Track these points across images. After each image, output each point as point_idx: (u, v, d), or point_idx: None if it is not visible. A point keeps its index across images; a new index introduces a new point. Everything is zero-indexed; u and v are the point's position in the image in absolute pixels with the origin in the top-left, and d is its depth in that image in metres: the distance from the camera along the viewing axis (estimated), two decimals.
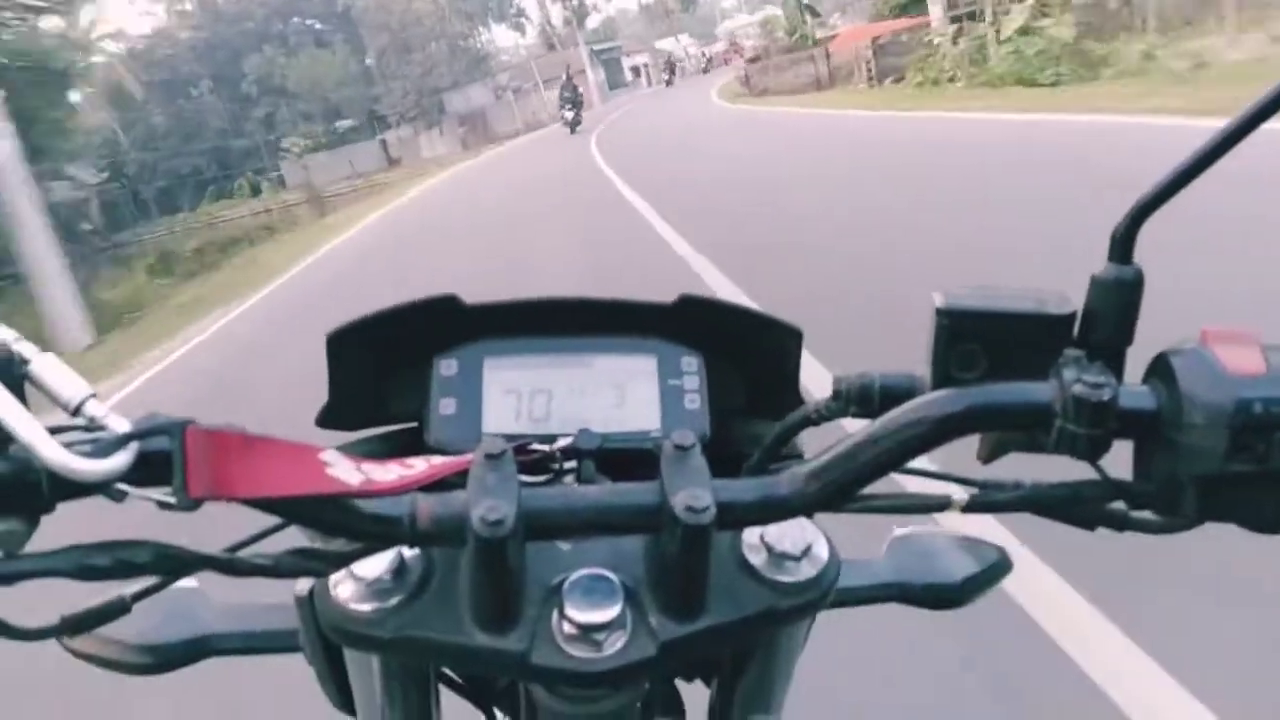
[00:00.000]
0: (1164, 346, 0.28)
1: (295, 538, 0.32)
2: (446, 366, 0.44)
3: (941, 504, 0.30)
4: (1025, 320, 0.30)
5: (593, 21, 41.52)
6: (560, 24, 38.16)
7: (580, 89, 19.79)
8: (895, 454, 0.28)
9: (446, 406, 0.43)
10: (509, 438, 0.32)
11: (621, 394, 0.43)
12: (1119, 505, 0.29)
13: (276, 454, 0.27)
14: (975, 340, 0.29)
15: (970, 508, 0.30)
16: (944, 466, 0.32)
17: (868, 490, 0.29)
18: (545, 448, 0.40)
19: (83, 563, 0.26)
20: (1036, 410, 0.28)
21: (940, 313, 0.30)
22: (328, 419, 0.44)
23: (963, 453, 0.32)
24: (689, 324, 0.44)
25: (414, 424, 0.45)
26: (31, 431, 0.24)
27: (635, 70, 43.73)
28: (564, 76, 18.77)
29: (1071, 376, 0.28)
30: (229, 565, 0.28)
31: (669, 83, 35.36)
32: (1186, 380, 0.27)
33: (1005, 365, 0.29)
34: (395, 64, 32.61)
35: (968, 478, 0.31)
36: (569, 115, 17.27)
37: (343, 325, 0.41)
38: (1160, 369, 0.28)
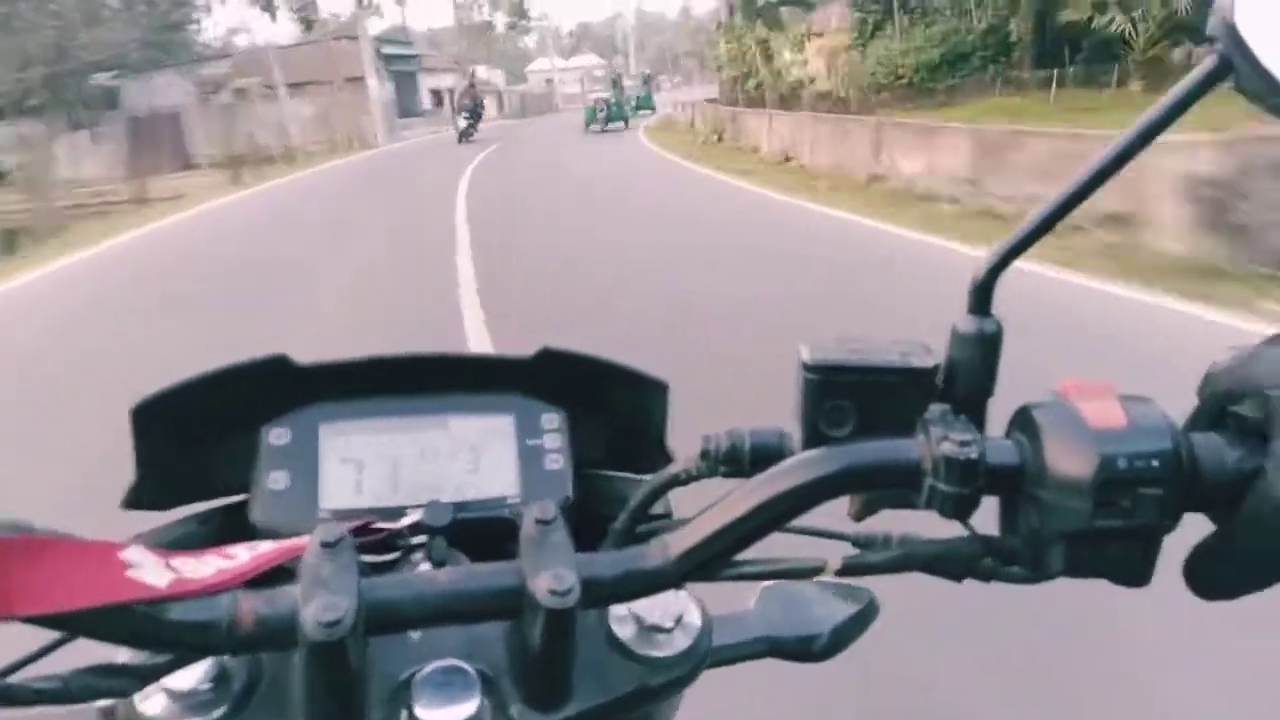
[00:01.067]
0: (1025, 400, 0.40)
1: (90, 648, 0.38)
2: (277, 435, 0.53)
3: (815, 569, 0.44)
4: (890, 374, 0.42)
5: (377, 24, 39.22)
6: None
7: (483, 101, 25.56)
8: (767, 520, 0.40)
9: (277, 481, 0.52)
10: (350, 513, 0.42)
11: (476, 458, 0.55)
12: (988, 560, 0.44)
13: (67, 557, 0.32)
14: (843, 394, 0.43)
15: (844, 571, 0.44)
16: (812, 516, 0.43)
17: (740, 556, 0.42)
18: (390, 525, 0.50)
19: None
20: (907, 470, 0.39)
21: (806, 367, 0.43)
22: (136, 499, 0.51)
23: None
24: (549, 378, 0.57)
25: (242, 497, 0.53)
26: None
27: (437, 96, 41.47)
28: (467, 82, 27.04)
29: (939, 434, 0.39)
30: (6, 694, 0.34)
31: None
32: (1050, 436, 0.38)
33: (873, 418, 0.43)
34: (26, 14, 27.68)
35: (839, 533, 0.46)
36: (463, 124, 25.05)
37: (152, 395, 0.50)
38: (1023, 423, 0.40)
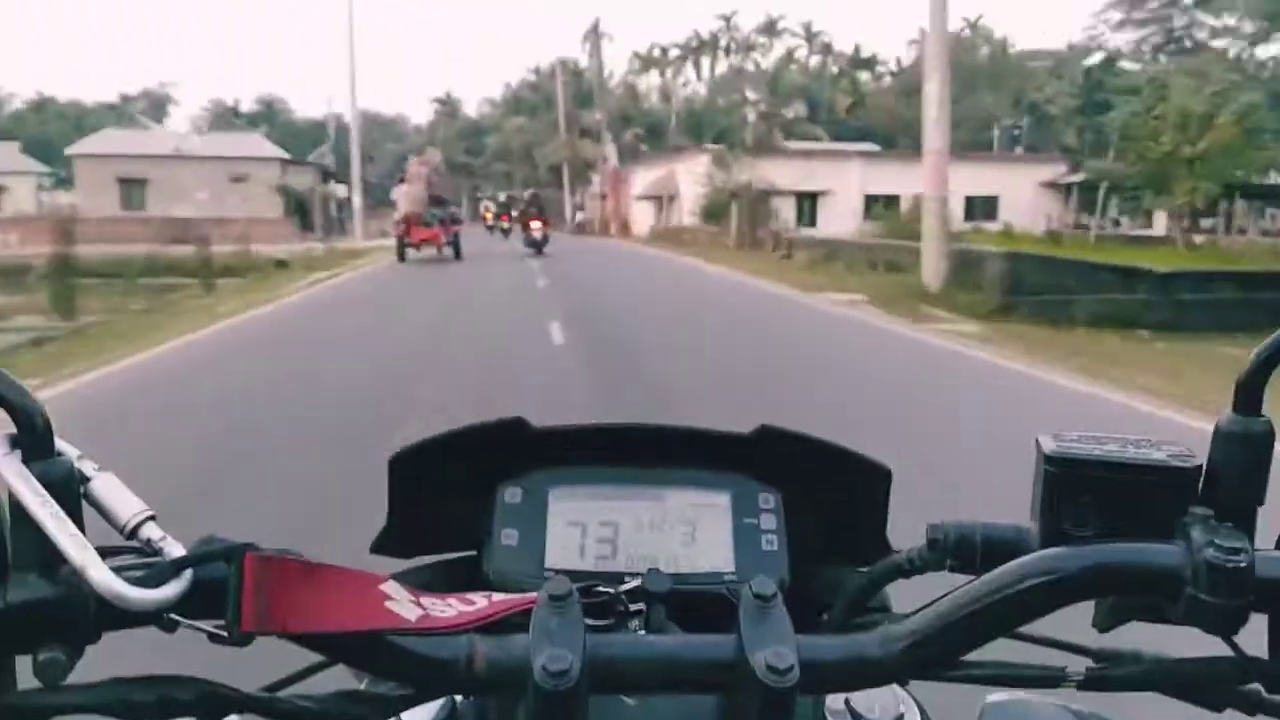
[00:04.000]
0: None
1: (339, 679, 0.42)
2: (510, 495, 0.58)
3: (1054, 678, 0.41)
4: (1145, 472, 0.40)
5: None
6: None
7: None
8: (1004, 619, 0.39)
9: (508, 537, 0.57)
10: (572, 574, 0.43)
11: (693, 531, 0.57)
12: (1254, 686, 0.40)
13: (336, 583, 0.36)
14: (1088, 491, 0.41)
15: (1087, 684, 0.41)
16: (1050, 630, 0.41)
17: (970, 656, 0.41)
18: (611, 590, 0.51)
19: (125, 698, 0.34)
20: (1163, 575, 0.38)
21: (1049, 459, 0.41)
22: (384, 545, 0.57)
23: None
24: (767, 457, 0.58)
25: (471, 553, 0.58)
26: (83, 555, 0.32)
27: None
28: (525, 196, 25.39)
29: (1202, 539, 0.37)
30: (273, 708, 0.38)
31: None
32: None
33: (1121, 521, 0.40)
34: None
35: (1080, 645, 0.43)
36: (538, 237, 21.65)
37: (407, 447, 0.56)
38: None
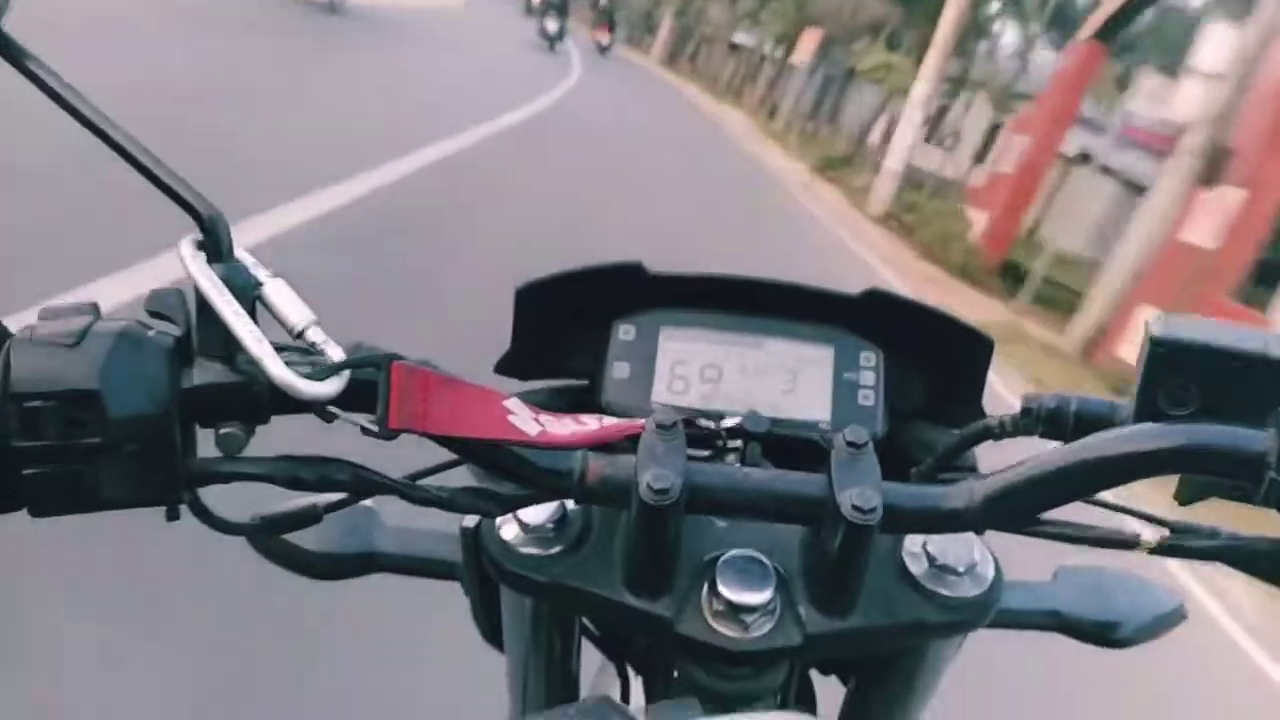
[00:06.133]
0: None
1: (464, 475, 0.47)
2: (625, 331, 0.62)
3: (1129, 541, 0.43)
4: (1250, 361, 0.40)
5: None
6: None
7: None
8: (1087, 482, 0.40)
9: (620, 370, 0.61)
10: (677, 409, 0.47)
11: (794, 380, 0.60)
12: None
13: (466, 396, 0.40)
14: (1189, 375, 0.41)
15: (1160, 550, 0.43)
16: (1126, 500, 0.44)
17: (1048, 516, 0.43)
18: (712, 425, 0.55)
19: (291, 473, 0.40)
20: (1248, 458, 0.38)
21: (1154, 341, 0.42)
22: (506, 367, 0.62)
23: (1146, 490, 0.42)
24: (872, 318, 0.60)
25: (585, 381, 0.63)
26: (261, 348, 0.37)
27: None
28: None
29: None
30: (413, 493, 0.43)
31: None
32: None
33: (1218, 406, 0.41)
34: None
35: (1157, 517, 0.45)
36: (552, 27, 19.33)
37: (532, 280, 0.60)
38: None
